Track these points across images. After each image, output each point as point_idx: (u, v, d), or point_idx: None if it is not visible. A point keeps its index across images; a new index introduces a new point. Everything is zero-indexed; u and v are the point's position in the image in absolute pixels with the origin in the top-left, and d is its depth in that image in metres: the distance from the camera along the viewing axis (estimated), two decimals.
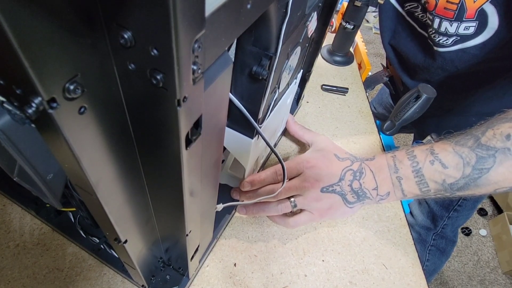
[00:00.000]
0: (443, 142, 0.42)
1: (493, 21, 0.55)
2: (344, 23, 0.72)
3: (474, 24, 0.57)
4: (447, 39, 0.61)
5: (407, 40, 0.72)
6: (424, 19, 0.65)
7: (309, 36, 0.39)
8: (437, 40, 0.63)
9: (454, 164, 0.40)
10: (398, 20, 0.72)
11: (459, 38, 0.60)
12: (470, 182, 0.39)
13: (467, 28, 0.58)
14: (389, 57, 0.79)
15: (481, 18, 0.56)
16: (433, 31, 0.62)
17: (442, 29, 0.60)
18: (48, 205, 0.45)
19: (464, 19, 0.57)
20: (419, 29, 0.68)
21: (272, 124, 0.45)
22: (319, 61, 0.79)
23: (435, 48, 0.64)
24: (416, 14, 0.66)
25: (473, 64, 0.62)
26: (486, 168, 0.39)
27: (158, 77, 0.14)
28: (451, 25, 0.59)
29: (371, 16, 2.64)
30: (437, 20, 0.60)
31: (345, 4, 0.73)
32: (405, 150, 0.44)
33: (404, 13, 0.70)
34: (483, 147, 0.39)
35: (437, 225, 0.87)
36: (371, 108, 0.70)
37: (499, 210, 1.65)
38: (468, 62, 0.62)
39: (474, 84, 0.66)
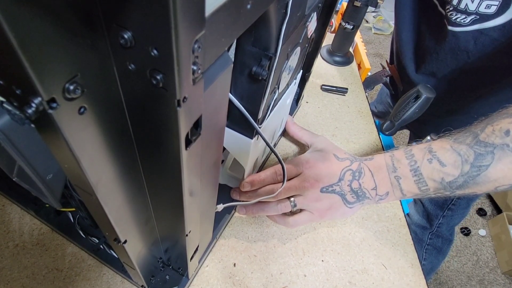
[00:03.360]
0: (442, 140, 0.42)
1: None
2: (343, 23, 0.72)
3: (496, 2, 0.54)
4: (465, 18, 0.58)
5: (424, 19, 0.69)
6: None
7: (309, 37, 0.39)
8: (453, 18, 0.59)
9: (452, 162, 0.39)
10: None
11: (478, 17, 0.57)
12: (469, 180, 0.39)
13: (488, 7, 0.55)
14: (402, 39, 0.75)
15: None
16: (451, 8, 0.59)
17: (462, 5, 0.57)
18: (47, 205, 0.44)
19: None
20: (439, 8, 0.65)
21: (272, 124, 0.45)
22: (319, 61, 0.79)
23: (450, 27, 0.61)
24: None
25: (486, 55, 0.60)
26: (485, 165, 0.38)
27: (158, 77, 0.14)
28: (472, 2, 0.56)
29: (371, 16, 2.64)
30: None
31: (345, 4, 0.73)
32: (403, 149, 0.44)
33: None
34: (482, 144, 0.38)
35: (432, 224, 0.87)
36: (371, 108, 0.70)
37: (498, 210, 1.65)
38: (483, 48, 0.59)
39: (480, 82, 0.64)
